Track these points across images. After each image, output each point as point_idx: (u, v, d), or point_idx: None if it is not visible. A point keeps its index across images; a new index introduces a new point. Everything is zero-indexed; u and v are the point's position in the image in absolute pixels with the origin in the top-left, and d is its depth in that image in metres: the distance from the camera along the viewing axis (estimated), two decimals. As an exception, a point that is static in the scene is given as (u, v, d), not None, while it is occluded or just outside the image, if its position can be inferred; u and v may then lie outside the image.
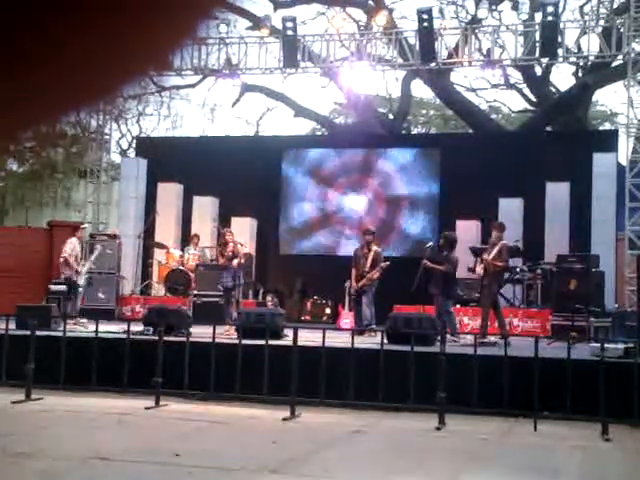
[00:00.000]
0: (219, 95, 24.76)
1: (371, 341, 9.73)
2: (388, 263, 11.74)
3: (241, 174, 16.46)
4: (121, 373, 8.77)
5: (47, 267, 16.46)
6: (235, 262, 11.89)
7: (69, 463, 5.77)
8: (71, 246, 12.59)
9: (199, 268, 14.41)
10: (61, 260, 12.62)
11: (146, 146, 19.26)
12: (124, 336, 9.30)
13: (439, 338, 8.58)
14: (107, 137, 18.28)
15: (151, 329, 9.89)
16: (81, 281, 12.59)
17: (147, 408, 8.05)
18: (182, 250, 15.59)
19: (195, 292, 13.96)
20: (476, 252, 13.69)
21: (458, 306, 12.87)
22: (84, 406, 8.20)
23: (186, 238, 16.09)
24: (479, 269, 10.85)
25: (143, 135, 27.85)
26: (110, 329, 10.41)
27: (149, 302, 14.04)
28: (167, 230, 16.56)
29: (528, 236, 14.57)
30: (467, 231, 14.55)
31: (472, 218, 14.96)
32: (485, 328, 10.63)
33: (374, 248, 12.03)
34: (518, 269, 13.51)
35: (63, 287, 14.01)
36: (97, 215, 17.59)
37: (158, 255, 15.70)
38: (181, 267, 14.88)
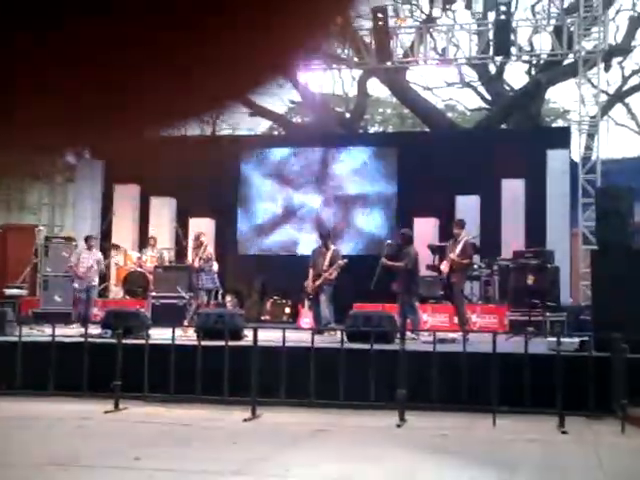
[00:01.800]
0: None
1: (331, 340, 9.74)
2: (346, 261, 11.78)
3: (198, 174, 16.34)
4: (79, 377, 8.64)
5: (1, 271, 16.17)
6: (216, 266, 12.10)
7: (25, 471, 5.67)
8: (77, 256, 12.87)
9: (157, 270, 14.29)
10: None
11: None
12: (82, 339, 9.17)
13: (399, 336, 8.62)
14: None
15: (109, 332, 9.76)
16: (76, 285, 12.69)
17: (106, 412, 7.95)
18: (140, 252, 15.43)
19: (154, 294, 13.84)
20: (435, 250, 13.81)
21: (417, 303, 12.95)
22: (41, 412, 8.06)
23: (144, 239, 15.93)
24: (444, 267, 10.92)
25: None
26: (67, 333, 10.26)
27: (107, 305, 13.88)
28: (124, 232, 16.39)
29: (485, 233, 14.71)
30: (425, 229, 14.66)
31: (429, 216, 15.06)
32: (465, 325, 10.73)
33: (332, 247, 12.08)
34: (475, 266, 13.64)
35: (18, 291, 13.85)
36: (52, 217, 17.32)
37: (116, 257, 15.52)
38: (139, 269, 14.74)
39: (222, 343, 8.57)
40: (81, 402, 8.45)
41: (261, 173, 17.62)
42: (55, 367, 8.82)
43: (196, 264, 12.17)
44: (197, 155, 16.67)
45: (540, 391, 7.72)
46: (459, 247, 10.88)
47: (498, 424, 7.43)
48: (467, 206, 14.94)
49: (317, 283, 11.72)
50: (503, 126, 21.70)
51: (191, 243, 13.47)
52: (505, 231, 14.85)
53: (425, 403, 7.83)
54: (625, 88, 23.87)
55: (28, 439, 6.81)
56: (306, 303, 13.16)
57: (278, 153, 17.75)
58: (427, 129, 22.58)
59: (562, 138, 16.10)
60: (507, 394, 7.79)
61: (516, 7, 19.34)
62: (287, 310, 15.46)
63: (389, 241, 12.56)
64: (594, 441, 6.90)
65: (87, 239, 13.17)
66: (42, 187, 17.64)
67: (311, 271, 11.91)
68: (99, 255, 13.11)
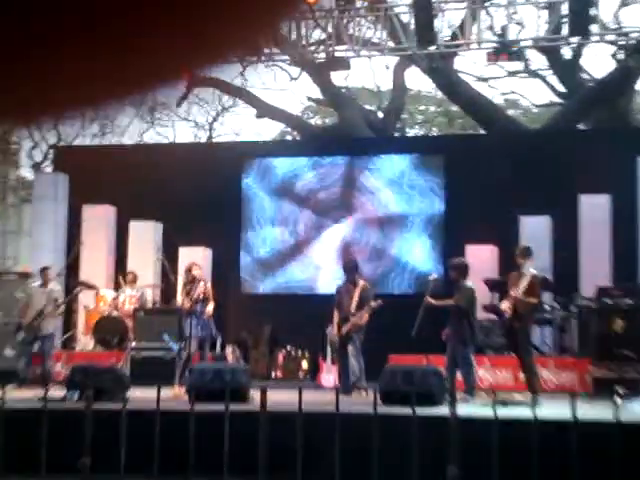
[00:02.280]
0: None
1: (361, 402, 9.67)
2: (380, 302, 11.73)
3: (191, 191, 16.39)
4: (36, 455, 8.61)
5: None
6: (211, 308, 12.03)
7: None
8: (28, 295, 13.26)
9: (138, 314, 14.31)
10: None
11: (67, 158, 19.18)
12: (40, 405, 9.16)
13: (448, 397, 8.54)
14: (15, 146, 18.22)
15: (76, 394, 9.76)
16: (19, 336, 12.82)
17: (72, 499, 7.92)
18: (116, 291, 15.46)
19: (133, 344, 13.84)
20: (493, 285, 13.71)
21: (473, 355, 12.86)
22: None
23: (121, 275, 15.97)
24: (506, 307, 10.80)
25: (62, 144, 27.74)
26: (21, 397, 10.25)
27: (73, 359, 13.89)
28: (96, 265, 16.43)
29: (559, 263, 14.60)
30: (480, 259, 14.56)
31: (486, 242, 14.99)
32: (535, 383, 10.63)
33: (361, 283, 12.03)
34: (547, 306, 13.53)
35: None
36: (3, 248, 17.44)
37: (85, 298, 15.57)
38: (115, 312, 14.76)
39: (221, 407, 8.53)
40: (39, 486, 8.41)
41: (270, 190, 17.64)
42: (3, 443, 8.80)
43: (186, 305, 12.14)
44: (188, 168, 16.77)
45: (638, 474, 7.59)
46: (525, 282, 10.78)
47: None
48: (535, 229, 14.85)
49: (344, 330, 11.68)
50: (581, 126, 21.62)
51: (181, 278, 13.48)
52: (585, 262, 14.73)
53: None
54: None
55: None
56: (328, 355, 13.10)
57: (291, 164, 17.77)
58: (482, 131, 22.56)
59: (658, 141, 16.01)
60: (594, 476, 7.66)
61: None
62: (304, 364, 15.40)
63: (434, 275, 12.50)
64: None
65: (42, 271, 13.25)
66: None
67: (336, 314, 11.88)
68: (57, 292, 13.15)
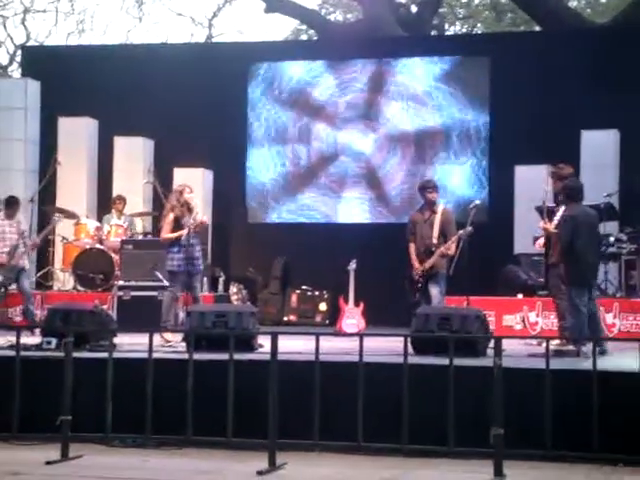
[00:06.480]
0: (150, -19, 24.45)
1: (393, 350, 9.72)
2: (470, 229, 11.47)
3: (187, 102, 16.33)
4: (8, 411, 8.71)
5: None
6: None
7: None
8: None
9: (126, 246, 14.34)
10: None
11: (38, 60, 19.09)
12: (11, 353, 9.25)
13: (492, 345, 8.57)
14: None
15: (54, 341, 9.81)
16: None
17: (49, 463, 8.01)
18: (99, 220, 15.48)
19: (121, 283, 13.91)
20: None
21: (520, 296, 12.92)
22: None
23: (105, 201, 16.00)
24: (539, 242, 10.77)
25: (32, 43, 27.63)
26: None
27: (50, 300, 14.00)
28: (75, 189, 16.46)
29: (627, 187, 14.52)
30: (532, 182, 14.53)
31: (540, 162, 14.91)
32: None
33: (441, 208, 11.89)
34: (612, 239, 13.47)
35: None
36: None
37: (63, 228, 15.61)
38: (98, 245, 14.80)
39: (224, 356, 8.60)
40: (11, 449, 8.51)
41: (281, 100, 17.56)
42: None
43: (171, 235, 11.76)
44: (184, 73, 16.67)
45: None
46: (558, 213, 10.77)
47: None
48: (599, 146, 14.76)
49: (427, 264, 11.57)
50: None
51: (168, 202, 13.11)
52: (660, 185, 14.68)
53: (534, 449, 7.78)
54: None
55: None
56: (351, 296, 13.03)
57: (306, 69, 17.65)
58: (537, 27, 22.29)
59: None
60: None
61: None
62: (322, 307, 15.45)
63: (477, 202, 12.45)
64: None
65: (8, 202, 13.24)
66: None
67: (412, 247, 11.73)
68: (23, 224, 13.18)
